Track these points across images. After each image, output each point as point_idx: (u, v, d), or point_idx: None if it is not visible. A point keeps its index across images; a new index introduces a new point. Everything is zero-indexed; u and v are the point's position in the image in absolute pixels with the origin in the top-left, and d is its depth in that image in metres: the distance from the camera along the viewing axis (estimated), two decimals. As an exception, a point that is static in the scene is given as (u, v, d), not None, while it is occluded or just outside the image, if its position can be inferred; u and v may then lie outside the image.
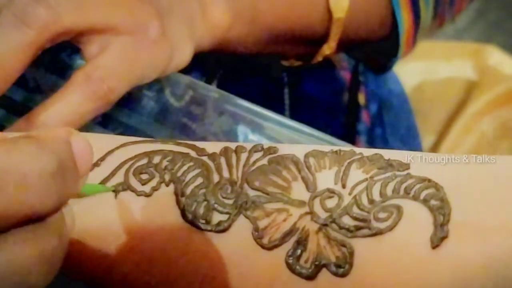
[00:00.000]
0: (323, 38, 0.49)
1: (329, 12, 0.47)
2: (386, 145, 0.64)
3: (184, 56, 0.40)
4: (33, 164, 0.20)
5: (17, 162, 0.20)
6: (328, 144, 0.39)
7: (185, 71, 0.42)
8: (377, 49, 0.54)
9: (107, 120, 0.38)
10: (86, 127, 0.35)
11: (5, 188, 0.19)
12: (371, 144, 0.62)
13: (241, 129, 0.40)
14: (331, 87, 0.60)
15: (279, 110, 0.43)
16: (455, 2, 0.54)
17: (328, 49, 0.49)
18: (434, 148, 0.64)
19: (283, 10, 0.46)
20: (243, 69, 0.53)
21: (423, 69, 0.63)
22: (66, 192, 0.21)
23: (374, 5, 0.49)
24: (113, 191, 0.28)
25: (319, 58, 0.51)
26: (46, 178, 0.20)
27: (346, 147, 0.30)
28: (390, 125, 0.65)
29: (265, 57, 0.52)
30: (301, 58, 0.53)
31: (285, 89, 0.56)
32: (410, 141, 0.66)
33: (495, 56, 0.66)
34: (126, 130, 0.40)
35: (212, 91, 0.42)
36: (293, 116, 0.46)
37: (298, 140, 0.40)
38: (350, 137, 0.59)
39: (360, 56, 0.57)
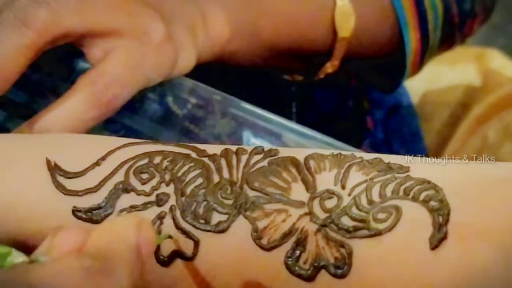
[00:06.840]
0: (327, 56, 0.48)
1: (334, 30, 0.46)
2: (390, 149, 0.63)
3: (188, 61, 0.39)
4: None
5: None
6: (333, 148, 0.39)
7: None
8: (382, 69, 0.53)
9: (108, 122, 0.38)
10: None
11: None
12: (374, 148, 0.62)
13: (244, 133, 0.40)
14: (338, 92, 0.60)
15: (287, 116, 0.43)
16: (466, 25, 0.53)
17: (331, 67, 0.48)
18: (438, 152, 0.64)
19: (285, 27, 0.45)
20: (250, 76, 0.53)
21: (427, 74, 0.63)
22: None
23: (381, 24, 0.48)
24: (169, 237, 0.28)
25: (321, 75, 0.50)
26: None
27: (347, 151, 0.30)
28: (394, 130, 0.65)
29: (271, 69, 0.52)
30: (304, 72, 0.52)
31: (293, 95, 0.56)
32: (414, 145, 0.66)
33: (497, 60, 0.66)
34: (128, 132, 0.40)
35: (215, 94, 0.42)
36: (300, 121, 0.46)
37: (303, 144, 0.40)
38: (355, 141, 0.59)
39: (365, 76, 0.56)
